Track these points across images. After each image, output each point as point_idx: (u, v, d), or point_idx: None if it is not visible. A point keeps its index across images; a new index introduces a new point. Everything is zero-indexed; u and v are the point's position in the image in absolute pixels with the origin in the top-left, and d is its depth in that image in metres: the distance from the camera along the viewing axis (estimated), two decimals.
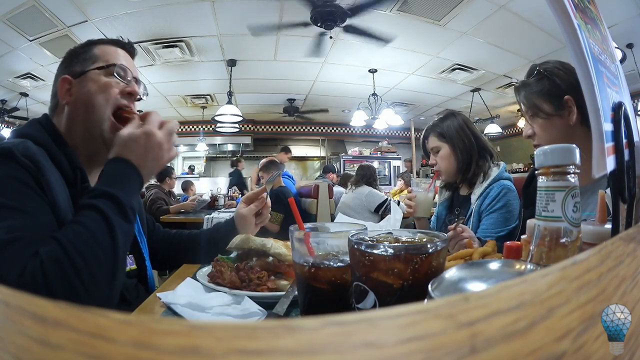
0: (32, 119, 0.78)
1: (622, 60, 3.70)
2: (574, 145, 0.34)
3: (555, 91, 0.89)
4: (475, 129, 1.31)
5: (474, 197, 1.24)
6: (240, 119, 4.86)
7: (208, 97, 5.60)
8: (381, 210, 2.87)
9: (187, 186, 4.71)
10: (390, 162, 7.06)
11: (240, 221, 0.95)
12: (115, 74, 0.77)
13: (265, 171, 2.96)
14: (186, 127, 6.74)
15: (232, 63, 4.32)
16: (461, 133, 1.26)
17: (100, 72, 0.76)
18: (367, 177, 3.06)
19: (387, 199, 2.93)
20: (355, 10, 3.23)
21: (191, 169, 7.17)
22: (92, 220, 0.59)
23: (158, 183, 3.67)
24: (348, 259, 0.45)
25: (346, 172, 4.17)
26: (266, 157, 3.47)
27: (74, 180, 0.71)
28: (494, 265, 0.31)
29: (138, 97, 0.79)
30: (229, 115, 4.65)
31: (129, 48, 0.83)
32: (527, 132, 0.96)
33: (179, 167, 7.36)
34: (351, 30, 3.56)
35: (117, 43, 0.82)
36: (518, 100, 0.97)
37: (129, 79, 0.79)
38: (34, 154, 0.64)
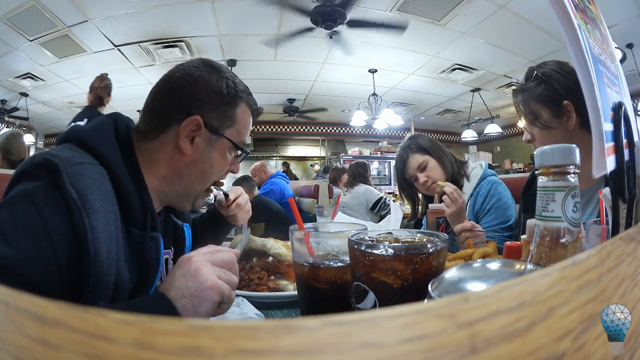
0: (106, 122, 0.63)
1: (622, 60, 3.70)
2: (574, 145, 0.34)
3: (554, 96, 0.86)
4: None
5: (464, 198, 1.25)
6: None
7: None
8: (377, 208, 2.87)
9: None
10: (390, 162, 7.05)
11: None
12: (237, 157, 0.72)
13: (241, 184, 2.84)
14: None
15: (232, 63, 4.32)
16: (434, 143, 1.34)
17: (230, 147, 0.68)
18: (361, 175, 3.06)
19: (382, 196, 2.94)
20: (344, 3, 3.17)
21: None
22: None
23: None
24: (348, 259, 0.45)
25: (330, 163, 4.08)
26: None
27: (142, 225, 0.60)
28: (494, 265, 0.31)
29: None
30: None
31: (255, 119, 0.76)
32: (526, 137, 0.94)
33: None
34: (356, 24, 3.51)
35: (256, 111, 0.74)
36: (516, 105, 0.95)
37: (239, 161, 0.74)
38: (86, 188, 0.50)
